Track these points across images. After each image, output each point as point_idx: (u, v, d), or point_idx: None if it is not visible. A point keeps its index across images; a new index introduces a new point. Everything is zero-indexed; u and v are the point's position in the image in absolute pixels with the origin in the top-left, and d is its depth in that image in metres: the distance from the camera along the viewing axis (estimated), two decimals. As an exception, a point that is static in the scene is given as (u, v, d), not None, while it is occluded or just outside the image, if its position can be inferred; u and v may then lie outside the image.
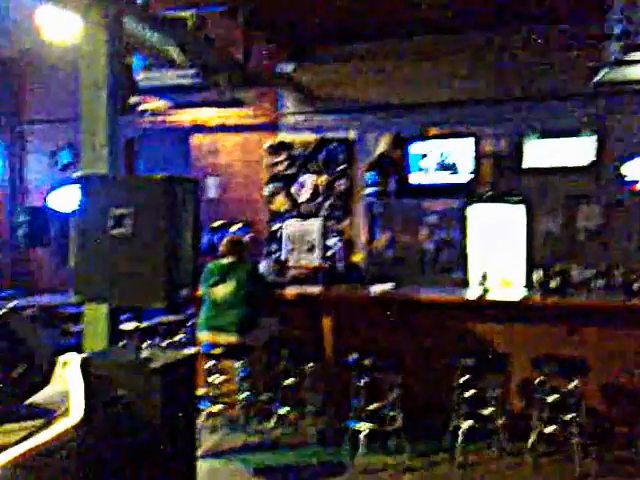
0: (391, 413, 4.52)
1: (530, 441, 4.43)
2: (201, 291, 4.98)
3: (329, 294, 5.54)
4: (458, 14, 6.40)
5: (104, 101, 4.50)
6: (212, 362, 4.90)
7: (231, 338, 4.82)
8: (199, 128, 8.00)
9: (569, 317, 4.78)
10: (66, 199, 7.91)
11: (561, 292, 5.01)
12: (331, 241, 7.60)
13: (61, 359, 2.57)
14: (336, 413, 4.93)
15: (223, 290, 4.93)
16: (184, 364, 3.10)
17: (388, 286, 5.38)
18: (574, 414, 4.26)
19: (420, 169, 7.22)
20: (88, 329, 4.47)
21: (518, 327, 4.86)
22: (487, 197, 6.92)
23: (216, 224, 7.73)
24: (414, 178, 7.25)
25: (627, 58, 5.46)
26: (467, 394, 4.52)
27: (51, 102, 8.36)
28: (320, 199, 7.73)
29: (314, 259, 7.62)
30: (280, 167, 7.87)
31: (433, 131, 7.21)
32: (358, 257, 7.40)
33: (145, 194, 2.98)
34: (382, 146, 7.34)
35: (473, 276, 6.56)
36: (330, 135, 7.68)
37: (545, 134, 6.80)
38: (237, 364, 4.87)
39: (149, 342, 5.72)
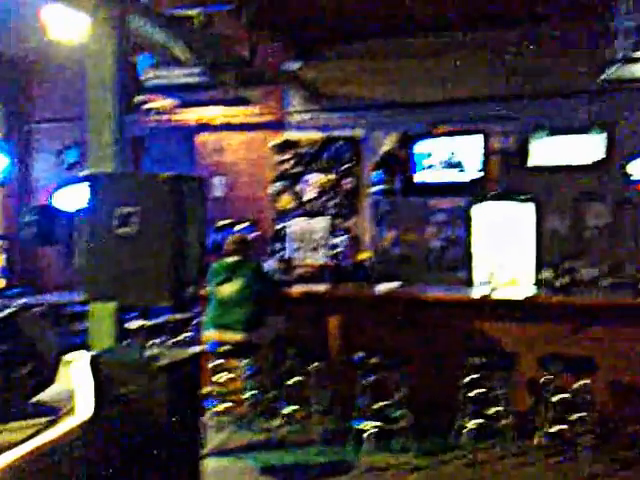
0: (397, 412, 4.51)
1: (536, 440, 4.42)
2: (207, 290, 4.99)
3: (335, 292, 5.54)
4: (465, 11, 6.38)
5: (110, 100, 4.52)
6: (218, 360, 4.91)
7: (237, 336, 4.82)
8: (205, 127, 8.01)
9: (576, 316, 4.75)
10: (72, 198, 7.93)
11: (569, 290, 4.98)
12: (337, 239, 7.60)
13: (66, 358, 2.57)
14: (342, 412, 4.93)
15: (229, 289, 4.93)
16: (190, 362, 3.10)
17: (395, 285, 5.37)
18: (581, 413, 4.24)
19: (426, 167, 7.20)
20: (94, 327, 4.49)
21: (525, 326, 4.84)
22: (494, 195, 6.89)
23: (220, 224, 7.74)
24: (420, 176, 7.22)
25: (635, 55, 5.43)
26: (473, 393, 4.50)
27: (58, 101, 8.39)
28: (326, 198, 7.72)
29: (320, 257, 7.62)
30: (286, 165, 7.86)
31: (440, 129, 7.19)
32: (364, 255, 7.39)
33: (152, 193, 2.98)
34: (388, 144, 7.32)
35: (478, 275, 6.55)
36: (336, 133, 7.67)
37: (553, 132, 6.76)
38: (243, 362, 4.87)
39: (156, 340, 5.73)
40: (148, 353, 2.97)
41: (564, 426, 4.33)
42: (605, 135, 6.59)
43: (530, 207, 6.74)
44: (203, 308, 5.21)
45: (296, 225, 7.77)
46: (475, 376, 4.51)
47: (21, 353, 2.34)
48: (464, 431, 4.48)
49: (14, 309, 2.53)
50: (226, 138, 8.05)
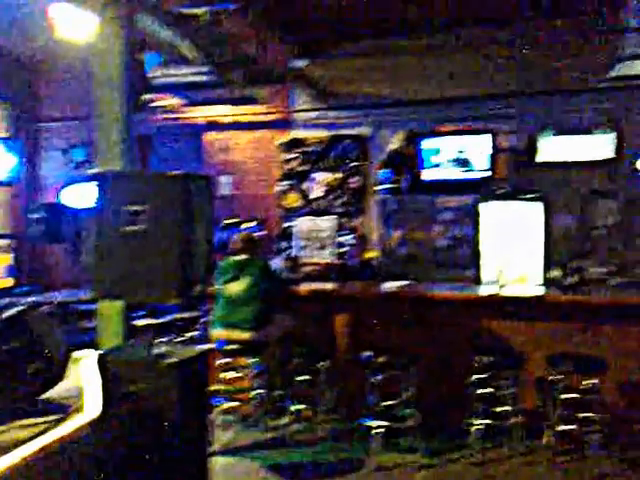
0: (405, 411, 4.50)
1: (545, 440, 4.40)
2: (215, 288, 4.99)
3: (342, 291, 5.53)
4: (473, 8, 6.35)
5: (118, 99, 4.52)
6: (226, 359, 4.91)
7: (245, 334, 4.82)
8: (212, 125, 8.02)
9: (585, 314, 4.72)
10: (79, 196, 7.96)
11: (578, 289, 4.95)
12: (344, 238, 7.59)
13: (74, 355, 2.58)
14: (349, 410, 4.93)
15: (237, 287, 4.94)
16: (198, 360, 3.10)
17: (402, 283, 5.35)
18: (590, 413, 4.22)
19: (434, 165, 7.17)
20: (102, 325, 4.50)
21: (534, 324, 4.82)
22: (502, 194, 6.86)
23: (226, 222, 7.74)
24: (427, 174, 7.20)
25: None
26: (481, 392, 4.49)
27: (65, 100, 8.41)
28: (333, 196, 7.72)
29: (327, 256, 7.62)
30: (293, 164, 7.86)
31: (447, 127, 7.16)
32: (371, 254, 7.38)
33: (160, 191, 2.98)
34: (396, 142, 7.30)
35: (486, 273, 6.52)
36: (343, 132, 7.66)
37: (561, 130, 6.72)
38: (251, 361, 4.87)
39: (163, 339, 5.74)
40: (156, 351, 2.97)
41: (573, 425, 4.30)
42: (614, 133, 6.55)
43: (538, 205, 6.71)
44: (210, 306, 5.22)
45: (303, 223, 7.77)
46: (483, 375, 4.49)
47: (29, 351, 2.35)
48: (472, 430, 4.47)
49: (22, 307, 2.53)
50: (233, 137, 8.06)
